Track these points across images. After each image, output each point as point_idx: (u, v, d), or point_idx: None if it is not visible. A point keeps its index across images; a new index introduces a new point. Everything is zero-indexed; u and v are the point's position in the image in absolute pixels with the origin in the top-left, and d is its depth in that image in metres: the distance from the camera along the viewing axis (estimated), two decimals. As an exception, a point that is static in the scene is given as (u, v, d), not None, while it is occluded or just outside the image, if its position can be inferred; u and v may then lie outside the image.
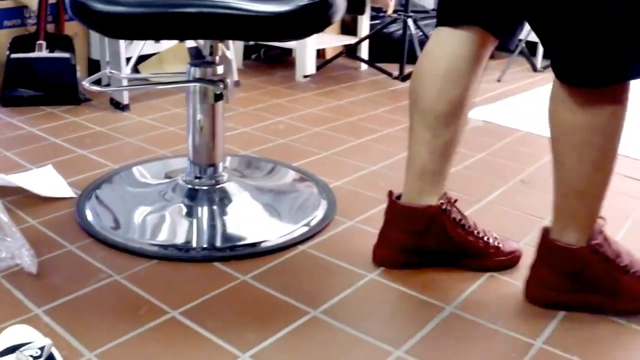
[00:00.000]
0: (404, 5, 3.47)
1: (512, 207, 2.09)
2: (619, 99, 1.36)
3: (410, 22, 3.36)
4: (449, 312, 1.49)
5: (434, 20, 4.02)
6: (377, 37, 4.00)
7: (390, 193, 1.67)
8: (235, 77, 3.35)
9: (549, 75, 4.14)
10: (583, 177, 1.42)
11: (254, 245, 1.75)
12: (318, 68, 3.70)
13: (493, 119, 3.07)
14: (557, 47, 1.37)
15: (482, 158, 2.54)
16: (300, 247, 1.76)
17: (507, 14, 1.55)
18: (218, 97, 1.91)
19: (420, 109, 1.60)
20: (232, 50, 3.32)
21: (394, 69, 3.56)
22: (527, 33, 4.22)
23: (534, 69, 4.41)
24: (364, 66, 3.95)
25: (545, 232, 1.51)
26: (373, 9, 4.09)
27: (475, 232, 1.67)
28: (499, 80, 3.97)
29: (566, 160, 1.42)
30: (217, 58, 1.91)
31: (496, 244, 1.70)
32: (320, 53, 4.10)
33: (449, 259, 1.68)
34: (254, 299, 1.51)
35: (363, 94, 3.36)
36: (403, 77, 3.43)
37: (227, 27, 1.56)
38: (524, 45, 4.23)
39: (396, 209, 1.64)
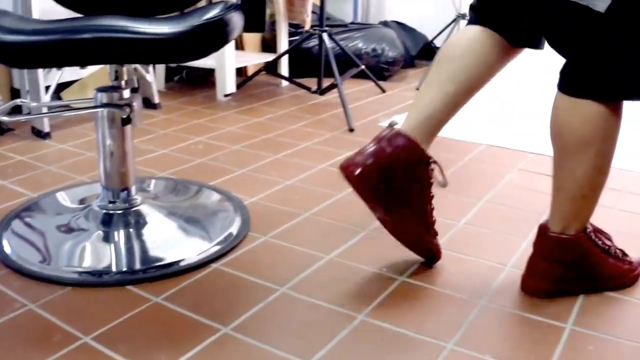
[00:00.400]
0: (320, 20, 3.49)
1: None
2: (621, 110, 1.49)
3: (325, 36, 3.38)
4: (360, 320, 1.51)
5: (352, 34, 4.08)
6: (297, 53, 4.03)
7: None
8: (156, 99, 3.34)
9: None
10: (591, 182, 1.54)
11: (167, 266, 1.75)
12: (239, 86, 3.70)
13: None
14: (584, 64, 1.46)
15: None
16: (214, 265, 1.77)
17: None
18: (125, 121, 1.90)
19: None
20: (152, 73, 3.32)
21: (313, 83, 3.59)
22: (444, 41, 4.28)
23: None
24: (285, 82, 3.97)
25: (544, 229, 1.62)
26: (291, 25, 4.12)
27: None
28: (417, 89, 4.01)
29: (577, 168, 1.52)
30: (123, 82, 1.91)
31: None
32: (243, 71, 4.11)
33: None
34: (167, 319, 1.51)
35: (283, 110, 3.37)
36: (321, 91, 3.46)
37: (124, 51, 1.56)
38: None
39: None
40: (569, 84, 1.50)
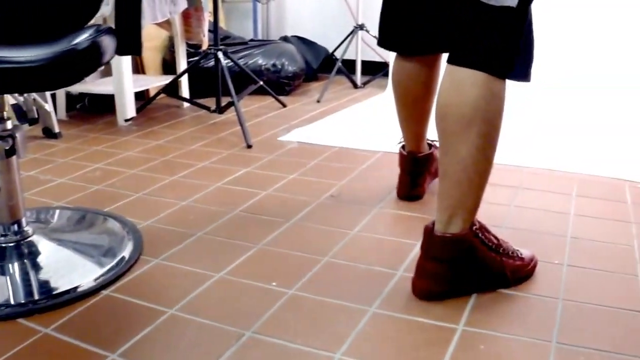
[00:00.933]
0: (214, 39, 3.50)
1: (320, 223, 2.15)
2: (504, 94, 1.58)
3: (221, 55, 3.39)
4: (248, 336, 1.52)
5: (252, 51, 4.10)
6: (198, 73, 4.02)
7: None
8: (57, 129, 3.30)
9: (369, 89, 4.30)
10: (475, 165, 1.58)
11: (57, 295, 1.73)
12: (139, 110, 3.68)
13: (308, 140, 3.15)
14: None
15: (294, 179, 2.60)
16: (104, 292, 1.75)
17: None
18: (9, 153, 1.88)
19: None
20: (51, 103, 3.28)
21: (214, 102, 3.59)
22: (343, 53, 4.34)
23: (355, 86, 4.52)
24: (186, 103, 3.96)
25: (429, 229, 1.66)
26: (190, 45, 4.12)
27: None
28: (318, 101, 4.05)
29: (461, 149, 1.57)
30: (5, 113, 1.88)
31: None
32: (146, 94, 4.09)
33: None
34: (55, 350, 1.49)
35: (183, 131, 3.37)
36: (220, 110, 3.46)
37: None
38: (340, 64, 4.34)
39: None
40: (458, 56, 1.59)
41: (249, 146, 3.03)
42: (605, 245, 2.02)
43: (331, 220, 2.15)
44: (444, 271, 1.66)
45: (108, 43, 1.66)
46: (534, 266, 1.83)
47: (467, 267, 1.67)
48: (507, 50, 1.56)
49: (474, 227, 1.66)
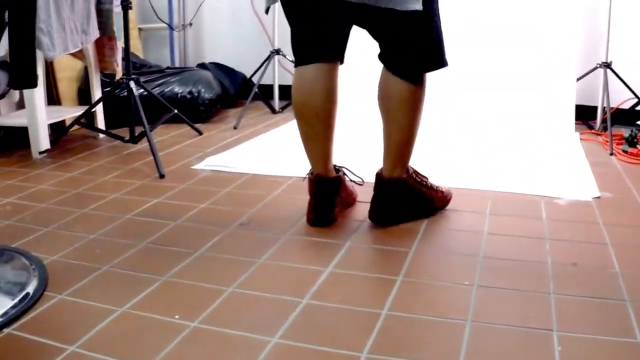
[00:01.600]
0: (126, 68, 3.48)
1: (228, 253, 2.15)
2: (425, 83, 2.28)
3: (132, 85, 3.38)
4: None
5: (168, 79, 4.09)
6: (114, 103, 3.99)
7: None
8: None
9: (288, 114, 4.33)
10: (409, 130, 2.30)
11: (-45, 338, 1.70)
12: (55, 142, 3.64)
13: (222, 167, 3.16)
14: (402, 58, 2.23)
15: (205, 208, 2.60)
16: (6, 330, 1.73)
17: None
18: None
19: None
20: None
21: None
22: (260, 78, 4.36)
23: (273, 111, 4.55)
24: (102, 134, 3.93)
25: (379, 175, 2.38)
26: (105, 75, 4.09)
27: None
28: (235, 128, 4.07)
29: (401, 121, 2.27)
30: None
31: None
32: (63, 125, 4.03)
33: None
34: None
35: (97, 162, 3.35)
36: (134, 140, 3.45)
37: None
38: (256, 89, 4.36)
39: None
40: (389, 66, 2.25)
41: (162, 176, 3.03)
42: (518, 263, 2.07)
43: (239, 249, 2.16)
44: (391, 204, 2.39)
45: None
46: (450, 198, 2.59)
47: (406, 200, 2.41)
48: (422, 54, 2.23)
49: (410, 172, 2.40)
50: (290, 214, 2.51)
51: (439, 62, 2.26)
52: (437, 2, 2.21)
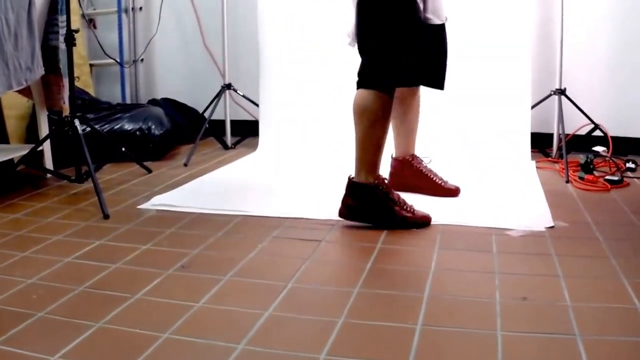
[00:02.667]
0: (71, 107, 3.46)
1: (166, 297, 2.14)
2: (385, 98, 2.75)
3: (77, 123, 3.37)
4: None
5: (119, 115, 4.07)
6: (63, 139, 3.94)
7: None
8: None
9: (240, 150, 4.35)
10: (360, 136, 2.77)
11: None
12: (1, 181, 3.60)
13: (168, 206, 3.15)
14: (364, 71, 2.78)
15: (147, 249, 2.59)
16: None
17: None
18: None
19: None
20: None
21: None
22: (211, 113, 4.38)
23: (225, 147, 4.55)
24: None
25: (350, 178, 2.79)
26: (53, 112, 4.06)
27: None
28: (185, 165, 4.06)
29: (359, 129, 2.76)
30: None
31: None
32: (10, 164, 3.98)
33: None
34: None
35: (43, 202, 3.32)
36: (80, 179, 3.43)
37: None
38: (207, 125, 4.36)
39: None
40: (358, 81, 2.78)
41: (106, 216, 3.01)
42: (465, 300, 2.07)
43: (177, 293, 2.15)
44: (354, 205, 2.79)
45: None
46: (424, 221, 2.83)
47: (369, 207, 2.76)
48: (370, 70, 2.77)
49: (375, 182, 2.75)
50: (232, 255, 2.50)
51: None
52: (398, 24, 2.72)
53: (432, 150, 3.69)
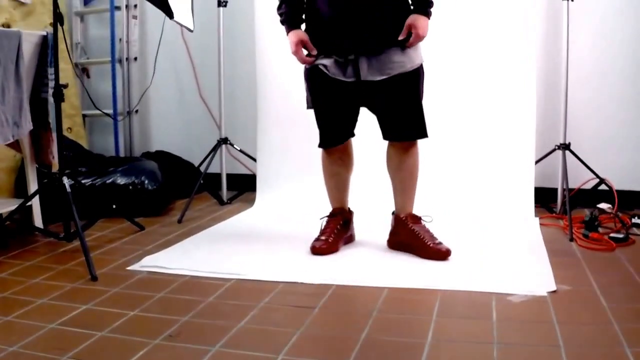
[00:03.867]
0: (59, 163, 3.44)
1: (152, 369, 2.10)
2: (323, 154, 3.30)
3: (65, 180, 3.35)
4: None
5: (111, 169, 4.06)
6: (53, 194, 3.91)
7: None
8: None
9: (236, 205, 4.33)
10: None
11: None
12: (-16, 238, 3.58)
13: (159, 268, 3.11)
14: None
15: (135, 315, 2.55)
16: None
17: None
18: None
19: None
20: None
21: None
22: (207, 167, 4.37)
23: (221, 202, 4.54)
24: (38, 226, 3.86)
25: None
26: (42, 165, 4.05)
27: None
28: (179, 221, 4.04)
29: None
30: None
31: None
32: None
33: None
34: None
35: (30, 261, 3.29)
36: (69, 237, 3.41)
37: None
38: (201, 181, 4.35)
39: None
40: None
41: (94, 278, 2.98)
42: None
43: (163, 364, 2.11)
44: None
45: None
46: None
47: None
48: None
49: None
50: (223, 323, 2.46)
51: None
52: None
53: (434, 206, 3.69)
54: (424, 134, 3.21)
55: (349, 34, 3.07)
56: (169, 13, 3.77)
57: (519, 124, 4.14)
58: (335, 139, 3.31)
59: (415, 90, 3.18)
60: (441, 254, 3.18)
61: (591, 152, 4.28)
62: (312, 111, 3.29)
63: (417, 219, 3.33)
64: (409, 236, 3.30)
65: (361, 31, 3.06)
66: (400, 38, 3.06)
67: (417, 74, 3.16)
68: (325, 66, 3.13)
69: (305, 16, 3.26)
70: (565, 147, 4.15)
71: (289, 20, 3.26)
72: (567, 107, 4.15)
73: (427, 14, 3.09)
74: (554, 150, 4.20)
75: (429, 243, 3.22)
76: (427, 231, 3.29)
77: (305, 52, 3.22)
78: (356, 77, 3.11)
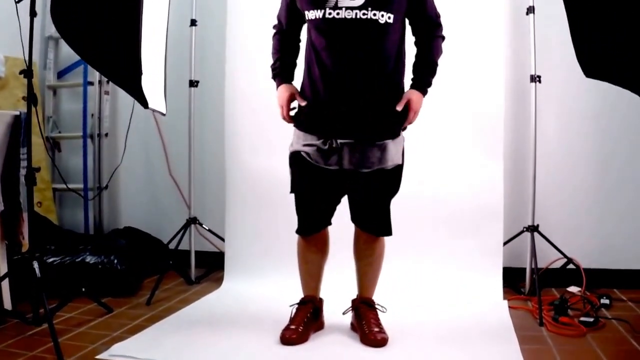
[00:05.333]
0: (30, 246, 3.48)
1: None
2: (298, 239, 3.42)
3: (35, 265, 3.39)
4: None
5: (80, 247, 4.07)
6: (24, 271, 3.92)
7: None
8: None
9: (205, 285, 4.38)
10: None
11: None
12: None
13: (128, 358, 3.15)
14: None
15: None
16: None
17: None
18: None
19: None
20: None
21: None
22: (176, 246, 4.40)
23: (189, 282, 4.57)
24: (7, 307, 3.85)
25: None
26: (13, 243, 4.07)
27: None
28: (148, 304, 4.07)
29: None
30: None
31: None
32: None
33: None
34: None
35: (-3, 346, 3.28)
36: (39, 321, 3.42)
37: None
38: (170, 262, 4.38)
39: None
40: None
41: (62, 368, 2.99)
42: None
43: None
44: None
45: None
46: (377, 342, 3.23)
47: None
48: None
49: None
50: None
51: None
52: None
53: (401, 289, 3.77)
54: (388, 233, 3.31)
55: (341, 120, 3.10)
56: (144, 102, 3.83)
57: (487, 206, 4.26)
58: (314, 226, 3.36)
59: (390, 189, 3.26)
60: (376, 342, 3.26)
61: (559, 231, 4.42)
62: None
63: (369, 305, 3.43)
64: (356, 320, 3.44)
65: (355, 120, 3.10)
66: (398, 108, 3.13)
67: (395, 173, 3.23)
68: (307, 154, 3.16)
69: (301, 87, 3.30)
70: (533, 228, 4.26)
71: (282, 74, 3.33)
72: (535, 190, 4.26)
73: (424, 92, 3.21)
74: (522, 232, 4.31)
75: (366, 331, 3.30)
76: (374, 318, 3.37)
77: (293, 104, 3.29)
78: (339, 165, 3.15)
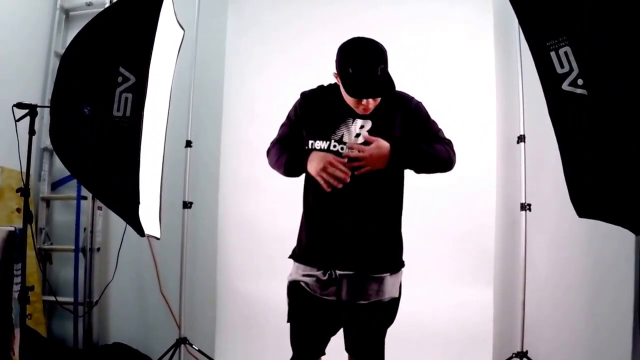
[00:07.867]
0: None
1: None
2: None
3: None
4: None
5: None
6: None
7: None
8: None
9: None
10: None
11: None
12: None
13: None
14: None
15: None
16: None
17: None
18: None
19: None
20: None
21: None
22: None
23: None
24: None
25: None
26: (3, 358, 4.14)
27: None
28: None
29: None
30: None
31: None
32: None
33: None
34: None
35: None
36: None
37: None
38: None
39: None
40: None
41: None
42: None
43: None
44: None
45: None
46: None
47: None
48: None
49: None
50: None
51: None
52: None
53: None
54: None
55: (343, 251, 3.11)
56: (140, 230, 3.94)
57: (476, 329, 4.36)
58: (309, 356, 3.36)
59: (385, 320, 3.25)
60: None
61: (550, 356, 4.45)
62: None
63: None
64: None
65: (357, 252, 3.11)
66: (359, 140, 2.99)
67: (391, 305, 3.23)
68: (307, 284, 3.20)
69: (302, 217, 3.30)
70: (522, 355, 4.31)
71: (301, 150, 3.14)
72: (524, 316, 4.33)
73: (397, 155, 2.99)
74: (511, 357, 4.36)
75: None
76: None
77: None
78: (336, 296, 3.14)
